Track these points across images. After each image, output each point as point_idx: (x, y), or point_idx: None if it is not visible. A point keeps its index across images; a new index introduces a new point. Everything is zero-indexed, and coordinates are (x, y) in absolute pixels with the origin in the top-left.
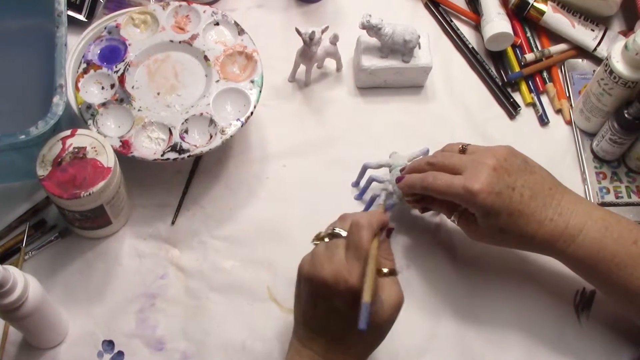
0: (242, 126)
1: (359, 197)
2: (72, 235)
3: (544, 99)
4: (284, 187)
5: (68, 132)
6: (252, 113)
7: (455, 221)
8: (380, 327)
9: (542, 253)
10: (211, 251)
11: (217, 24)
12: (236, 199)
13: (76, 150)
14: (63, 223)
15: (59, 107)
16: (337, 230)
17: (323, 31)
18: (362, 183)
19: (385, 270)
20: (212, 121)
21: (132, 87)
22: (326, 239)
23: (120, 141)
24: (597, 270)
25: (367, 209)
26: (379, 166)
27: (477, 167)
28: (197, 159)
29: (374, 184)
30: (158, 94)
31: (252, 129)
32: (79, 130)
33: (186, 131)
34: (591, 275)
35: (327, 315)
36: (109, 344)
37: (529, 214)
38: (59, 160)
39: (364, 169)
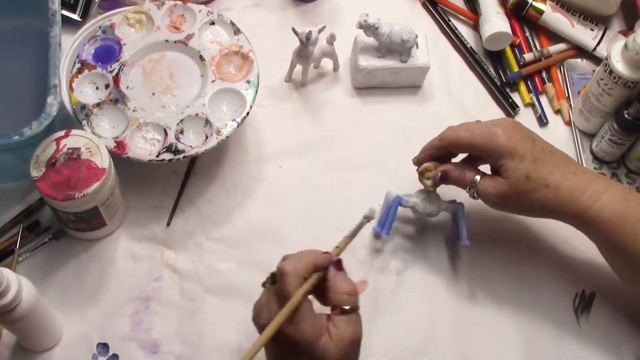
0: (238, 127)
1: (387, 232)
2: (67, 236)
3: (543, 100)
4: (280, 188)
5: (62, 133)
6: (248, 113)
7: (474, 189)
8: None
9: (567, 215)
10: (207, 253)
11: (213, 23)
12: (232, 200)
13: (70, 151)
14: (57, 224)
15: (53, 108)
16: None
17: (320, 31)
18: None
19: (346, 307)
20: (207, 122)
21: (127, 87)
22: (267, 285)
23: (115, 142)
24: (622, 233)
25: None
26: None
27: (495, 121)
28: (193, 159)
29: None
30: (153, 94)
31: (248, 129)
32: (73, 131)
33: (181, 132)
34: (614, 241)
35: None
36: (103, 346)
37: (553, 164)
38: (53, 161)
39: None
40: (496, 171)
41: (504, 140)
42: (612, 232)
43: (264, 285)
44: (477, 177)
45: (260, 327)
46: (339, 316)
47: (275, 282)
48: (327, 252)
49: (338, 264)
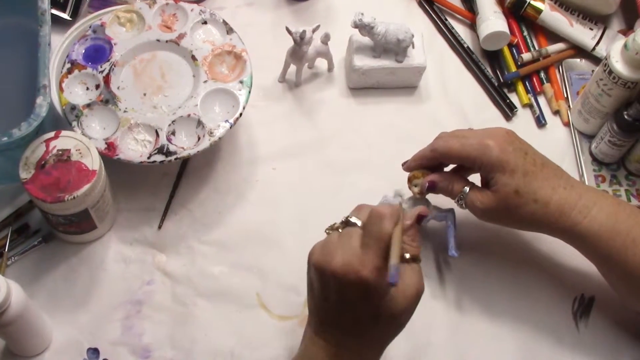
0: (230, 128)
1: None
2: (56, 240)
3: (541, 100)
4: (274, 191)
5: (52, 134)
6: (241, 114)
7: (463, 201)
8: (396, 317)
9: (556, 230)
10: (199, 256)
11: (205, 22)
12: (225, 203)
13: (60, 152)
14: (47, 227)
15: (42, 108)
16: (353, 219)
17: (314, 30)
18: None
19: (407, 256)
20: (199, 123)
21: (118, 88)
22: (339, 230)
23: (106, 143)
24: (613, 246)
25: None
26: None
27: (488, 131)
28: (185, 161)
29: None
30: (144, 94)
31: (241, 130)
32: (63, 132)
33: (173, 133)
34: (606, 255)
35: (338, 307)
36: (94, 352)
37: (543, 178)
38: (43, 162)
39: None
40: (486, 182)
41: (496, 153)
42: (603, 246)
43: (332, 230)
44: (466, 189)
45: (331, 271)
46: (403, 264)
47: (351, 226)
48: None
49: (421, 218)
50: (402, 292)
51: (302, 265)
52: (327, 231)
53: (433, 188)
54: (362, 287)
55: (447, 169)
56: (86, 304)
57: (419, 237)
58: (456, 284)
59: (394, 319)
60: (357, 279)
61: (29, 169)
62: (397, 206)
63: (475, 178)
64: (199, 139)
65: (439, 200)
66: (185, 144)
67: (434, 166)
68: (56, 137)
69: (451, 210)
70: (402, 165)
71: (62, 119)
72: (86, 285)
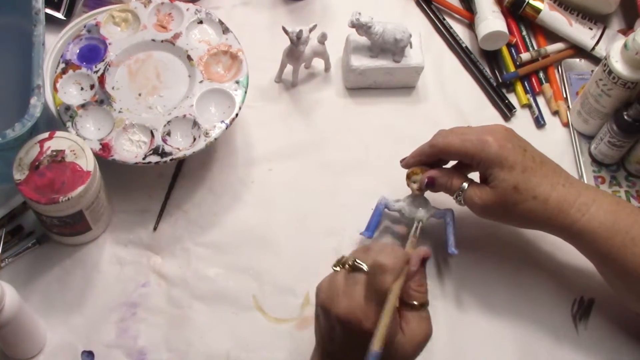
0: (226, 128)
1: (370, 234)
2: (50, 241)
3: (540, 100)
4: (270, 192)
5: (46, 135)
6: (237, 115)
7: (461, 197)
8: None
9: (555, 227)
10: (194, 258)
11: (201, 22)
12: (220, 204)
13: (54, 153)
14: (41, 229)
15: (36, 109)
16: (359, 263)
17: (311, 30)
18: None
19: (415, 303)
20: (195, 123)
21: (113, 88)
22: (347, 266)
23: (100, 144)
24: (612, 244)
25: (372, 220)
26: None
27: (487, 127)
28: (180, 162)
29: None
30: (139, 95)
31: (237, 131)
32: (58, 133)
33: (168, 134)
34: (604, 253)
35: (343, 348)
36: (88, 354)
37: (542, 175)
38: (37, 163)
39: (378, 209)
40: (485, 179)
41: (494, 149)
42: (602, 244)
43: (339, 265)
44: (465, 185)
45: (335, 315)
46: (410, 312)
47: (356, 270)
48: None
49: (424, 260)
50: (409, 339)
51: (299, 267)
52: (333, 267)
53: (432, 184)
54: (365, 337)
55: (445, 166)
56: (81, 307)
57: (425, 281)
58: (455, 283)
59: None
60: (360, 330)
61: (22, 170)
62: (402, 253)
63: (475, 176)
64: (194, 139)
65: (437, 200)
66: (180, 145)
67: (433, 163)
68: (50, 137)
69: (450, 209)
70: (401, 162)
71: (56, 120)
72: (81, 288)
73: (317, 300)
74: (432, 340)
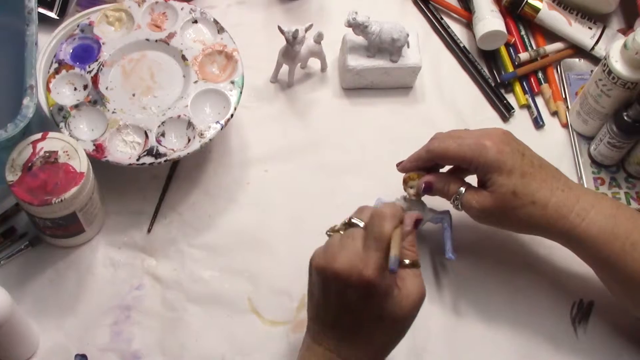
0: (221, 129)
1: None
2: (43, 243)
3: (539, 101)
4: (266, 193)
5: (39, 136)
6: (232, 115)
7: (459, 201)
8: (399, 322)
9: (554, 233)
10: (189, 260)
11: (196, 21)
12: (215, 206)
13: (47, 154)
14: (33, 231)
15: (29, 109)
16: (355, 220)
17: (307, 29)
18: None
19: (407, 261)
20: (190, 124)
21: (106, 88)
22: (341, 232)
23: (94, 145)
24: (612, 250)
25: None
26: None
27: (485, 131)
28: (175, 163)
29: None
30: (133, 95)
31: (232, 132)
32: (50, 134)
33: (163, 134)
34: (604, 259)
35: (339, 310)
36: (81, 358)
37: (541, 180)
38: (29, 165)
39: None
40: (483, 184)
41: (492, 154)
42: (601, 249)
43: (333, 231)
44: (462, 189)
45: (333, 273)
46: (404, 269)
47: (353, 227)
48: None
49: (417, 222)
50: (405, 296)
51: (294, 270)
52: (328, 233)
53: (429, 189)
54: (365, 287)
55: (442, 171)
56: (74, 309)
57: (415, 242)
58: (453, 288)
59: (396, 323)
60: (360, 278)
61: (15, 171)
62: (399, 206)
63: (472, 180)
64: (189, 140)
65: (434, 202)
66: (175, 146)
67: (430, 167)
68: (43, 138)
69: (447, 213)
70: (397, 166)
71: (49, 120)
72: (74, 290)
73: (312, 268)
74: (430, 345)
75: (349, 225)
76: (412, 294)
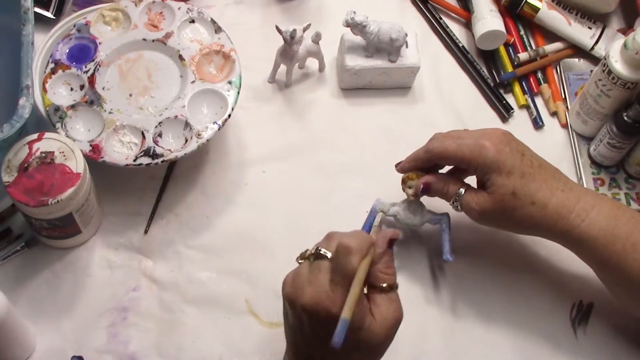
0: (219, 129)
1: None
2: (39, 245)
3: (539, 101)
4: (264, 194)
5: (35, 136)
6: (229, 116)
7: (458, 202)
8: (375, 347)
9: (554, 233)
10: (186, 262)
11: (193, 21)
12: (213, 207)
13: (43, 155)
14: (30, 232)
15: (25, 110)
16: (323, 251)
17: (305, 29)
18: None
19: (383, 285)
20: (187, 124)
21: (103, 89)
22: (310, 259)
23: (90, 145)
24: (612, 251)
25: (366, 226)
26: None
27: (484, 131)
28: (172, 164)
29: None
30: (130, 95)
31: (230, 132)
32: (47, 134)
33: (160, 135)
34: (604, 260)
35: (313, 341)
36: None
37: (541, 180)
38: (26, 165)
39: (372, 213)
40: (482, 184)
41: (492, 154)
42: (602, 250)
43: (303, 258)
44: (461, 190)
45: (301, 306)
46: (379, 295)
47: (321, 258)
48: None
49: (392, 242)
50: (381, 323)
51: None
52: (298, 260)
53: (428, 190)
54: (333, 325)
55: (442, 171)
56: (70, 311)
57: (393, 264)
58: (451, 289)
59: (372, 351)
60: (328, 315)
61: (11, 172)
62: (367, 236)
63: (471, 180)
64: (186, 141)
65: (433, 204)
66: (172, 146)
67: (429, 168)
68: (39, 139)
69: (446, 214)
70: (396, 166)
71: (45, 121)
72: (70, 292)
73: (283, 295)
74: (428, 348)
75: (316, 256)
76: (387, 320)
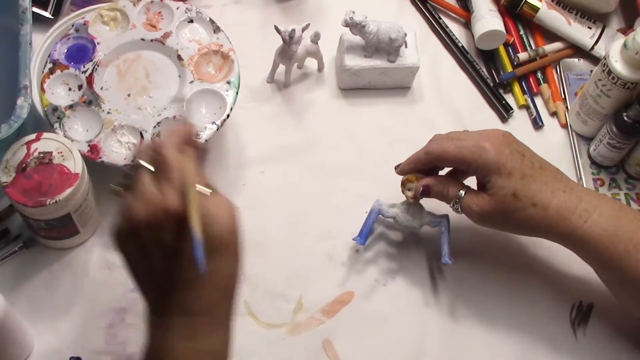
0: (217, 130)
1: (362, 241)
2: (38, 245)
3: (538, 101)
4: (262, 195)
5: (33, 136)
6: (228, 116)
7: (459, 205)
8: (226, 240)
9: (555, 235)
10: None
11: (191, 21)
12: None
13: (42, 155)
14: (28, 232)
15: (23, 110)
16: (141, 162)
17: (304, 29)
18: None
19: (208, 191)
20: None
21: (101, 89)
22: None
23: (89, 146)
24: (614, 252)
25: (365, 227)
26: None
27: (484, 133)
28: None
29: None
30: (128, 95)
31: (229, 132)
32: (45, 134)
33: (158, 135)
34: (606, 261)
35: (164, 262)
36: None
37: (541, 181)
38: (24, 165)
39: (372, 215)
40: (483, 186)
41: (492, 156)
42: (604, 251)
43: (117, 186)
44: (461, 192)
45: (137, 224)
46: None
47: (129, 187)
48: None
49: (426, 189)
50: (217, 209)
51: (290, 272)
52: (112, 187)
53: (427, 192)
54: (176, 223)
55: (441, 173)
56: (68, 312)
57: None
58: (450, 292)
59: (226, 245)
60: (168, 214)
61: (9, 172)
62: (177, 127)
63: (471, 182)
64: None
65: (433, 205)
66: None
67: (428, 170)
68: (37, 139)
69: (445, 217)
70: (395, 168)
71: (43, 121)
72: (68, 292)
73: (117, 243)
74: (427, 351)
75: (134, 169)
76: (222, 204)
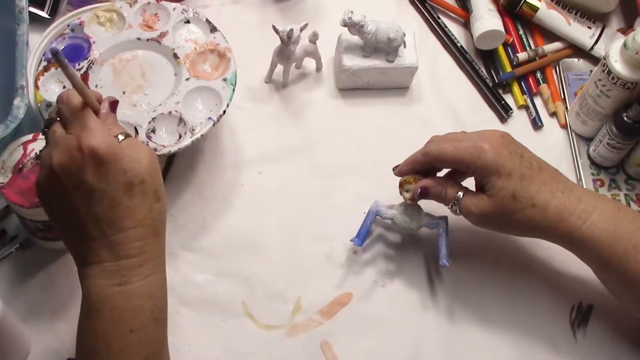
0: (214, 125)
1: (360, 242)
2: (35, 246)
3: (538, 101)
4: (260, 195)
5: (30, 137)
6: (224, 112)
7: (457, 206)
8: (142, 178)
9: (555, 235)
10: (182, 264)
11: (188, 22)
12: (209, 208)
13: (38, 155)
14: (24, 233)
15: (20, 110)
16: (49, 117)
17: (302, 29)
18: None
19: (118, 135)
20: (181, 120)
21: (96, 87)
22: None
23: None
24: (614, 252)
25: (363, 229)
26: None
27: (482, 134)
28: (167, 164)
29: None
30: (123, 93)
31: (226, 132)
32: (42, 135)
33: (153, 130)
34: (606, 261)
35: (90, 203)
36: None
37: (540, 182)
38: (20, 166)
39: (369, 216)
40: (481, 187)
41: (490, 157)
42: (604, 251)
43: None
44: (460, 194)
45: (58, 167)
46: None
47: (50, 125)
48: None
49: (114, 104)
50: (135, 153)
51: (289, 273)
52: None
53: (425, 194)
54: (94, 159)
55: (439, 174)
56: (65, 313)
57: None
58: (448, 293)
59: (144, 184)
60: (80, 153)
61: (5, 173)
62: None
63: (470, 183)
64: (180, 136)
65: (431, 207)
66: (166, 142)
67: (426, 171)
68: (34, 139)
69: (444, 218)
70: (393, 169)
71: (40, 121)
72: (66, 293)
73: (41, 196)
74: (426, 352)
75: (48, 125)
76: (141, 148)
